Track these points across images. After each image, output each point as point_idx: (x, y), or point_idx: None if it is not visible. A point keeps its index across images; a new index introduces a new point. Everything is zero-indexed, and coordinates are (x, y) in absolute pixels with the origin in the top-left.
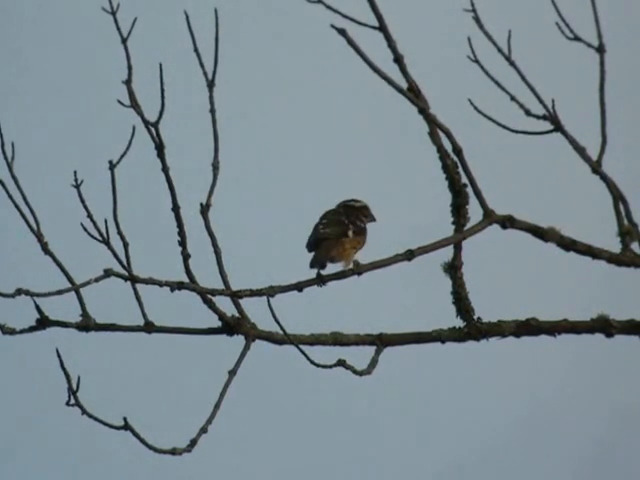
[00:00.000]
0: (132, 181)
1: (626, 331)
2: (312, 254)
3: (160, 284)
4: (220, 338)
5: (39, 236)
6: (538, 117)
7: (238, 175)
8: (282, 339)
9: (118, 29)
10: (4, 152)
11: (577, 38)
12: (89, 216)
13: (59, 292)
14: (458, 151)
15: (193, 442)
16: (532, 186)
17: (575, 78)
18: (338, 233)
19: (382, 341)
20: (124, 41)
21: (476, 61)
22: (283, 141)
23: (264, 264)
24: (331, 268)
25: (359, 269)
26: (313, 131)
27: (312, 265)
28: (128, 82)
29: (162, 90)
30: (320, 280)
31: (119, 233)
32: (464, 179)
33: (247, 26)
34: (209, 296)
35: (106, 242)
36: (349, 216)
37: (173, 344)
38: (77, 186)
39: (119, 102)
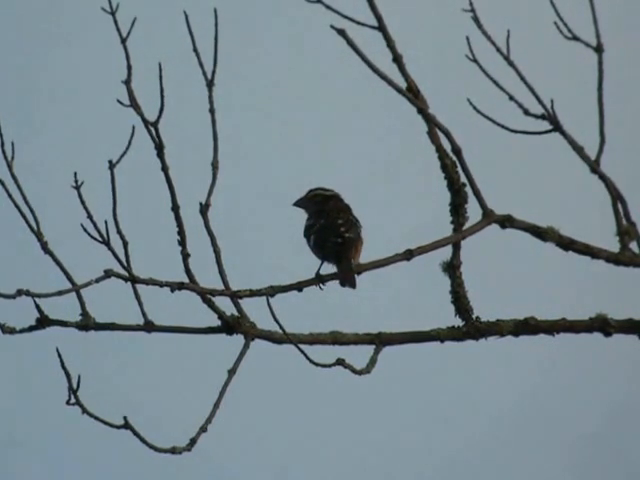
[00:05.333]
0: (132, 181)
1: (624, 330)
2: (335, 265)
3: (160, 284)
4: (219, 337)
5: (39, 235)
6: (537, 117)
7: (238, 175)
8: (281, 338)
9: (117, 29)
10: (4, 152)
11: (575, 38)
12: (89, 217)
13: (60, 293)
14: (457, 151)
15: (193, 441)
16: (531, 186)
17: (573, 78)
18: (357, 235)
19: (381, 340)
20: (123, 41)
21: (475, 61)
22: (282, 141)
23: (264, 263)
24: (330, 268)
25: (358, 269)
26: (312, 131)
27: (343, 284)
28: (128, 82)
29: (162, 90)
30: (320, 280)
31: (119, 232)
32: (463, 179)
33: (247, 26)
34: (209, 296)
35: (106, 243)
36: (352, 213)
37: (173, 343)
38: (77, 187)
39: (119, 102)
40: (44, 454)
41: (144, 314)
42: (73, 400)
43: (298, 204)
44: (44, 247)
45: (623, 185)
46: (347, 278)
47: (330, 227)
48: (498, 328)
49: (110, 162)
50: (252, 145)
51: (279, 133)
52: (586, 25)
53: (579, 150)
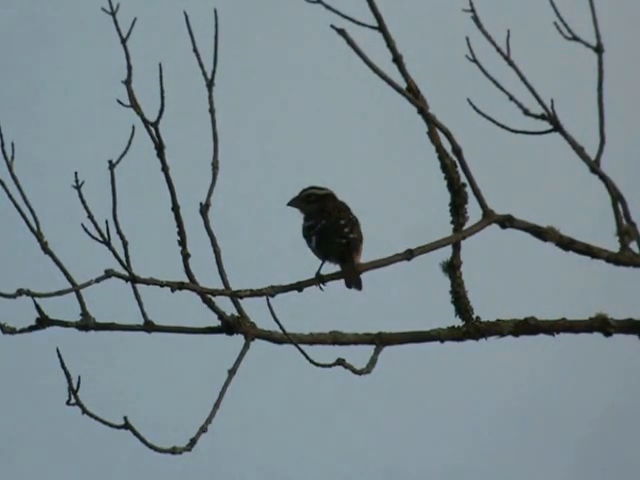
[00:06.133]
0: (132, 181)
1: (624, 330)
2: (339, 265)
3: (161, 284)
4: (220, 337)
5: (39, 235)
6: (536, 117)
7: (238, 175)
8: (282, 338)
9: (118, 29)
10: (4, 152)
11: (575, 38)
12: (90, 217)
13: (60, 293)
14: (457, 151)
15: (193, 441)
16: (531, 186)
17: (573, 78)
18: (360, 235)
19: (381, 340)
20: (124, 41)
21: (475, 61)
22: (282, 141)
23: (264, 263)
24: (331, 268)
25: (359, 269)
26: (313, 131)
27: (349, 286)
28: (128, 82)
29: (162, 90)
30: (320, 280)
31: (119, 232)
32: (463, 179)
33: (247, 26)
34: (209, 296)
35: (107, 242)
36: (351, 212)
37: (173, 343)
38: (78, 187)
39: (119, 102)
40: (44, 454)
41: (144, 314)
42: (73, 400)
43: (292, 204)
44: (44, 247)
45: (623, 185)
46: (353, 279)
47: (333, 227)
48: (498, 328)
49: (110, 162)
50: (252, 145)
51: (279, 133)
52: (586, 25)
53: (579, 150)
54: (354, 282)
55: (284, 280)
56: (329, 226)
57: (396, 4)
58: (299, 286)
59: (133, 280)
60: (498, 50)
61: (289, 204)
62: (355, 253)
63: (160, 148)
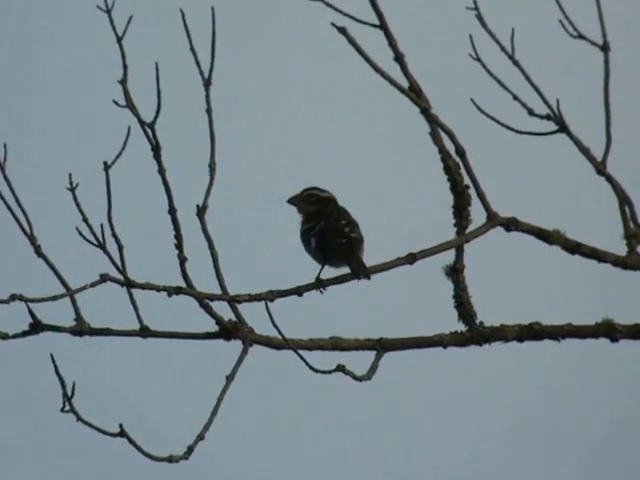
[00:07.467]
0: (128, 183)
1: (631, 335)
2: (346, 263)
3: (157, 289)
4: (217, 343)
5: (32, 239)
6: (542, 117)
7: (235, 176)
8: (280, 344)
9: (113, 28)
10: None
11: (581, 36)
12: (84, 220)
13: (54, 298)
14: (461, 152)
15: (190, 449)
16: (536, 188)
17: (579, 77)
18: (361, 236)
19: (382, 346)
20: (119, 40)
21: (478, 60)
22: (282, 141)
23: (262, 267)
24: (331, 272)
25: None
26: (313, 131)
27: (359, 277)
28: (123, 82)
29: (158, 90)
30: (320, 284)
31: (114, 236)
32: (467, 180)
33: (245, 24)
34: (206, 300)
35: (102, 246)
36: (350, 215)
37: (169, 349)
38: (72, 189)
39: (114, 102)
40: (38, 462)
41: (140, 319)
42: (68, 407)
43: (292, 201)
44: (37, 251)
45: (630, 187)
46: (361, 269)
47: (333, 228)
48: (502, 333)
49: (105, 164)
50: (250, 146)
51: (278, 134)
52: (592, 23)
53: (585, 151)
54: (362, 271)
55: (283, 284)
56: (329, 226)
57: (398, 2)
58: (299, 291)
59: (129, 285)
60: (502, 49)
61: (289, 201)
62: (358, 251)
63: (156, 149)
